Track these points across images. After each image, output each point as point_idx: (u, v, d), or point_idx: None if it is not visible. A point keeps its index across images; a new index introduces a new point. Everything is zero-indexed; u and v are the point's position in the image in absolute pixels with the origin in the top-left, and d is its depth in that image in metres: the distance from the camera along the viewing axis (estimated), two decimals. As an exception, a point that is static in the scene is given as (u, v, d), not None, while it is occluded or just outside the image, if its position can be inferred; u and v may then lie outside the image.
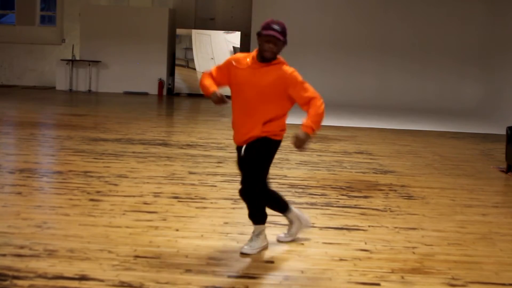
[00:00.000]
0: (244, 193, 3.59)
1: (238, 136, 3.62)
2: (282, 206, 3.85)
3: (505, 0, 13.97)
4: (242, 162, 3.63)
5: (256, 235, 3.70)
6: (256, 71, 3.50)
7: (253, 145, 3.54)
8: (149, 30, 15.39)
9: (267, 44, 3.42)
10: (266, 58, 3.47)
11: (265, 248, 3.72)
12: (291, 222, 3.90)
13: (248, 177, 3.55)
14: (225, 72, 3.62)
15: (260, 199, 3.65)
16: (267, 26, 3.43)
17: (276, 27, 3.42)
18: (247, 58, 3.57)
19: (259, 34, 3.45)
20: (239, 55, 3.65)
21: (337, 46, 15.21)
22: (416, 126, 11.07)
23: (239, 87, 3.55)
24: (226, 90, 3.56)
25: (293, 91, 3.51)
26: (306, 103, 3.52)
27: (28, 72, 16.65)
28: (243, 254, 3.60)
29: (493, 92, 14.26)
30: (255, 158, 3.54)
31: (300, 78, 3.52)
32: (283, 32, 3.44)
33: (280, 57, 3.56)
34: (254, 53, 3.55)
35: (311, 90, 3.52)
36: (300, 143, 3.45)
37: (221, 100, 3.50)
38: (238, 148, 3.67)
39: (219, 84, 3.64)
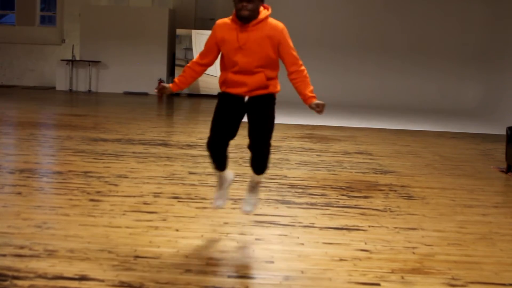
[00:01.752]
0: (260, 146, 3.63)
1: (239, 90, 3.56)
2: (268, 166, 3.91)
3: (505, 1, 13.97)
4: (238, 116, 3.62)
5: (254, 186, 3.86)
6: (242, 35, 3.44)
7: (264, 100, 3.59)
8: (149, 30, 15.40)
9: (240, 3, 3.36)
10: (244, 18, 3.39)
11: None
12: (258, 184, 3.94)
13: (265, 131, 3.61)
14: (213, 49, 3.63)
15: (270, 152, 3.74)
16: None
17: None
18: (230, 22, 3.52)
19: None
20: (220, 22, 3.58)
21: (337, 46, 15.21)
22: (416, 126, 11.08)
23: (229, 53, 3.52)
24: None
25: (283, 49, 3.51)
26: (294, 63, 3.56)
27: (28, 72, 16.65)
28: (247, 213, 3.88)
29: (493, 92, 14.26)
30: (270, 114, 3.62)
31: (289, 39, 3.54)
32: None
33: (262, 10, 3.50)
34: (232, 16, 3.50)
35: (298, 58, 3.59)
36: (322, 106, 3.47)
37: (162, 92, 3.66)
38: (232, 97, 3.60)
39: (210, 63, 3.69)
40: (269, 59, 3.53)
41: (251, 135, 3.64)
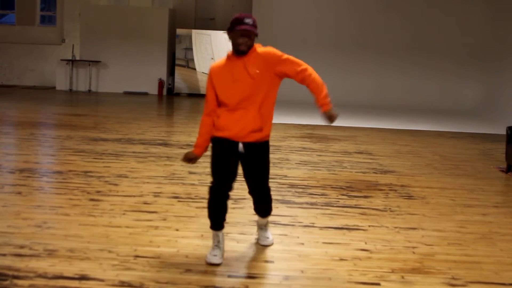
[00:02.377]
0: (262, 191, 3.66)
1: (234, 131, 3.48)
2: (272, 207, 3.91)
3: (505, 1, 13.97)
4: (235, 158, 3.54)
5: (265, 225, 3.87)
6: (237, 67, 3.45)
7: (260, 148, 3.53)
8: (149, 30, 15.40)
9: (242, 38, 3.38)
10: (242, 52, 3.41)
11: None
12: (267, 224, 3.93)
13: (264, 177, 3.62)
14: (214, 94, 3.55)
15: (270, 194, 3.76)
16: (240, 21, 3.38)
17: (248, 21, 3.39)
18: (223, 60, 3.53)
19: (231, 30, 3.40)
20: (214, 64, 3.57)
21: (337, 46, 15.21)
22: (416, 126, 11.08)
23: (225, 88, 3.47)
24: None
25: (283, 67, 3.45)
26: (301, 77, 3.48)
27: (28, 72, 16.65)
28: (267, 245, 3.83)
29: (493, 92, 14.26)
30: (266, 160, 3.60)
31: (280, 52, 3.49)
32: (255, 25, 3.42)
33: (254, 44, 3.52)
34: (229, 53, 3.51)
35: (297, 61, 3.49)
36: (333, 118, 3.38)
37: (192, 162, 3.61)
38: (227, 142, 3.51)
39: (216, 107, 3.58)
40: (265, 83, 3.45)
41: (249, 181, 3.65)
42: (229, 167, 3.52)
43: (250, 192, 3.71)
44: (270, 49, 3.50)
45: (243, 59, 3.44)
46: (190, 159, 3.59)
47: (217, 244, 3.56)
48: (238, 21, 3.39)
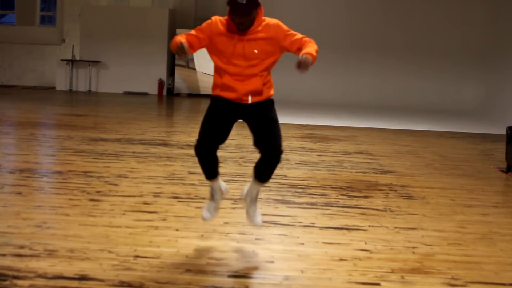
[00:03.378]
0: (276, 152, 3.45)
1: (235, 94, 3.42)
2: None
3: (505, 1, 13.97)
4: (230, 122, 3.47)
5: (255, 197, 3.69)
6: (239, 40, 3.33)
7: (266, 107, 3.47)
8: (149, 30, 15.41)
9: (237, 18, 3.23)
10: (241, 30, 3.30)
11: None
12: (258, 195, 3.76)
13: (276, 137, 3.46)
14: (206, 35, 3.40)
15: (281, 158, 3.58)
16: (232, 1, 3.18)
17: (241, 0, 3.17)
18: (227, 21, 3.38)
19: (228, 8, 3.22)
20: (219, 20, 3.41)
21: (337, 46, 15.21)
22: (416, 126, 11.08)
23: (226, 58, 3.38)
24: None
25: (286, 42, 3.39)
26: (300, 46, 3.38)
27: (28, 72, 16.65)
28: (257, 225, 3.73)
29: (493, 92, 14.26)
30: (275, 120, 3.49)
31: (286, 27, 3.43)
32: (249, 2, 3.18)
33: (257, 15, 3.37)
34: (227, 20, 3.35)
35: (299, 34, 3.42)
36: (304, 66, 3.19)
37: (184, 54, 3.26)
38: (225, 102, 3.45)
39: (196, 46, 3.42)
40: (268, 63, 3.45)
41: (261, 143, 3.48)
42: (222, 129, 3.46)
43: (263, 152, 3.49)
44: (276, 24, 3.40)
45: (245, 34, 3.33)
46: (183, 51, 3.24)
47: (211, 197, 3.59)
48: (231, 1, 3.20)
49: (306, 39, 3.43)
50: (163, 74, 15.61)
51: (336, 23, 15.25)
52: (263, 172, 3.58)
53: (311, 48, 3.33)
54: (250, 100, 3.43)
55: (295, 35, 3.43)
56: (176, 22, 15.97)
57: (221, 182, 3.78)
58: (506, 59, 13.62)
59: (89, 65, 15.55)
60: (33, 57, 16.58)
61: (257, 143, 3.52)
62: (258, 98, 3.46)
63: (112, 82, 15.67)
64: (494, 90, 14.22)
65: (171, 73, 15.78)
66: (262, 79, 3.45)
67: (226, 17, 3.42)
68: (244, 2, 3.18)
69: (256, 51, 3.36)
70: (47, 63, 16.52)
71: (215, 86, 3.52)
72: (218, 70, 3.50)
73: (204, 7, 16.19)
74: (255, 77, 3.42)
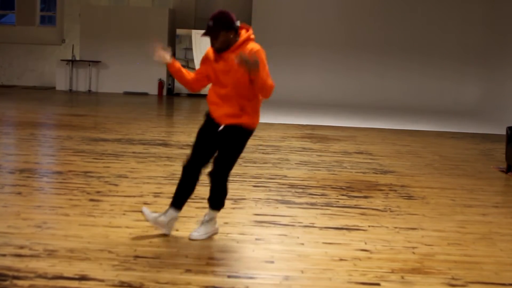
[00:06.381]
0: (216, 175, 3.69)
1: (215, 114, 3.69)
2: (224, 202, 3.89)
3: (505, 1, 13.97)
4: (211, 139, 3.69)
5: (208, 220, 3.84)
6: (221, 61, 3.58)
7: (232, 131, 3.62)
8: (149, 30, 15.40)
9: (211, 40, 3.55)
10: (217, 50, 3.57)
11: (214, 233, 3.87)
12: (211, 220, 3.87)
13: (224, 161, 3.67)
14: (205, 67, 3.74)
15: (226, 184, 3.76)
16: (206, 24, 3.53)
17: (209, 23, 3.50)
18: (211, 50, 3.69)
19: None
20: (209, 49, 3.72)
21: (337, 46, 15.22)
22: (415, 126, 11.08)
23: (214, 76, 3.67)
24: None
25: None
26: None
27: (28, 72, 16.65)
28: (192, 240, 3.78)
29: (493, 92, 14.26)
30: (233, 146, 3.67)
31: (263, 57, 3.51)
32: (215, 25, 3.47)
33: (243, 34, 3.57)
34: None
35: (268, 73, 3.53)
36: (243, 58, 3.31)
37: (159, 55, 3.70)
38: (211, 121, 3.71)
39: (203, 79, 3.78)
40: (245, 86, 3.56)
41: (214, 162, 3.72)
42: (205, 147, 3.70)
43: (209, 173, 3.74)
44: (258, 50, 3.51)
45: (223, 57, 3.56)
46: (164, 55, 3.70)
47: (168, 223, 3.80)
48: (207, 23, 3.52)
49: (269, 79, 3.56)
50: (163, 74, 15.61)
51: (336, 23, 15.25)
52: (211, 195, 3.85)
53: (264, 77, 3.47)
54: (221, 127, 3.68)
55: (264, 71, 3.48)
56: (176, 22, 15.97)
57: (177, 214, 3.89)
58: (506, 59, 13.62)
59: (89, 65, 15.55)
60: (33, 57, 16.57)
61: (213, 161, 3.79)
62: (232, 121, 3.66)
63: (112, 82, 15.67)
64: (494, 90, 14.22)
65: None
66: (239, 103, 3.64)
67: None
68: (211, 24, 3.50)
69: (232, 70, 3.53)
70: (47, 63, 16.52)
71: (207, 99, 3.81)
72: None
73: (204, 7, 16.19)
74: (232, 101, 3.64)
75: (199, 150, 3.73)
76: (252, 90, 3.60)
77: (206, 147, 3.72)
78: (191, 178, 3.77)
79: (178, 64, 3.80)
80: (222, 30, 3.49)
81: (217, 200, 3.84)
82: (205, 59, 3.74)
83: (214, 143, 3.70)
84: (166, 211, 3.85)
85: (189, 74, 3.83)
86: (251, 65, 3.32)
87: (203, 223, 3.86)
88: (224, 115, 3.63)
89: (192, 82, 3.82)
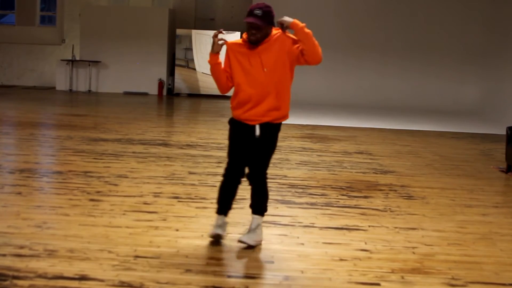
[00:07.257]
0: (257, 176, 3.69)
1: (250, 114, 3.59)
2: (266, 206, 3.87)
3: (505, 1, 13.97)
4: (250, 143, 3.62)
5: (254, 228, 3.74)
6: (253, 54, 3.55)
7: (268, 131, 3.63)
8: (149, 30, 15.40)
9: (249, 30, 3.49)
10: (251, 42, 3.53)
11: (259, 243, 3.75)
12: (257, 228, 3.78)
13: (263, 161, 3.68)
14: (227, 63, 3.69)
15: (267, 185, 3.78)
16: (249, 12, 3.47)
17: (257, 12, 3.46)
18: (241, 42, 3.63)
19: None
20: (231, 42, 3.67)
21: (337, 46, 15.20)
22: (416, 126, 11.07)
23: (241, 71, 3.59)
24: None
25: (291, 44, 3.56)
26: (301, 48, 3.59)
27: (28, 72, 16.65)
28: (242, 242, 3.68)
29: (493, 92, 14.26)
30: (271, 145, 3.68)
31: (291, 36, 3.59)
32: (264, 16, 3.46)
33: (274, 31, 3.60)
34: (244, 36, 3.60)
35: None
36: (283, 21, 3.50)
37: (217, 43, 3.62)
38: (240, 125, 3.65)
39: (230, 78, 3.70)
40: (285, 75, 3.60)
41: (251, 162, 3.69)
42: (242, 151, 3.66)
43: (248, 176, 3.73)
44: (281, 33, 3.58)
45: (258, 49, 3.54)
46: (220, 44, 3.63)
47: (220, 224, 3.73)
48: (249, 11, 3.47)
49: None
50: (163, 74, 15.60)
51: (337, 23, 15.24)
52: (255, 201, 3.82)
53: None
54: (257, 128, 3.69)
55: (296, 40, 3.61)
56: (176, 22, 15.96)
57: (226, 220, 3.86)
58: (506, 59, 13.61)
59: (89, 65, 15.54)
60: (33, 57, 16.57)
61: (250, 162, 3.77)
62: (269, 118, 3.68)
63: (112, 82, 15.66)
64: (494, 90, 14.21)
65: (171, 73, 15.78)
66: (277, 96, 3.67)
67: (235, 40, 3.75)
68: (260, 14, 3.47)
69: (265, 69, 3.55)
70: (47, 63, 16.51)
71: (233, 107, 3.73)
72: (235, 90, 3.75)
73: (204, 7, 16.19)
74: (270, 96, 3.64)
75: (236, 156, 3.70)
76: (288, 81, 3.65)
77: (242, 152, 3.68)
78: (233, 185, 3.76)
79: (220, 59, 3.72)
80: (268, 24, 3.50)
81: (260, 204, 3.78)
82: (230, 58, 3.64)
83: (249, 146, 3.65)
84: (219, 224, 3.76)
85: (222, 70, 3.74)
86: (289, 22, 3.46)
87: (250, 231, 3.75)
88: (263, 111, 3.57)
89: (226, 78, 3.70)
